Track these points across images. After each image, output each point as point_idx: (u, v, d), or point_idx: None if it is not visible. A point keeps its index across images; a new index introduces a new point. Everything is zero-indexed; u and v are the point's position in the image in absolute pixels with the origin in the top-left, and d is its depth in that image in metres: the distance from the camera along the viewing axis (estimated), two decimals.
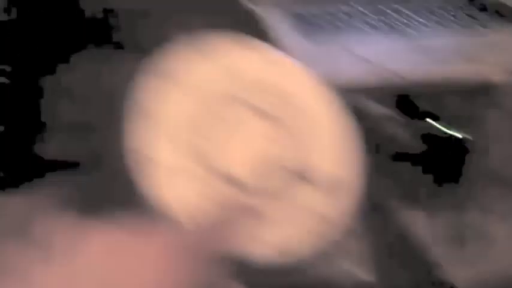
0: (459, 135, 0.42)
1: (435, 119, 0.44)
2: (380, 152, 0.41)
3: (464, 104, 0.43)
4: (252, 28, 0.61)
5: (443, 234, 0.33)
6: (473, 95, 0.47)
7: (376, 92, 0.47)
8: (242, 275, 0.28)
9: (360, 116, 0.44)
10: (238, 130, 0.27)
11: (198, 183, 0.27)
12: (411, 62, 0.50)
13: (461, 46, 0.54)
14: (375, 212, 0.34)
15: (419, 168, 0.40)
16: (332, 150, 0.29)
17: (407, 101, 0.46)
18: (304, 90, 0.29)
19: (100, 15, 0.64)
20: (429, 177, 0.39)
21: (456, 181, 0.37)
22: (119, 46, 0.57)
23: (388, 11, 0.66)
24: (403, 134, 0.43)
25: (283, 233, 0.28)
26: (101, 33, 0.59)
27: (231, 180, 0.27)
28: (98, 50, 0.56)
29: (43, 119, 0.41)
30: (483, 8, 0.66)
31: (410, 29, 0.60)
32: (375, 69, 0.47)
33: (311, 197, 0.28)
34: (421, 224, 0.34)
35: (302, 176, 0.28)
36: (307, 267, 0.29)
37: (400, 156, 0.40)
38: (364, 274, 0.30)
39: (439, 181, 0.38)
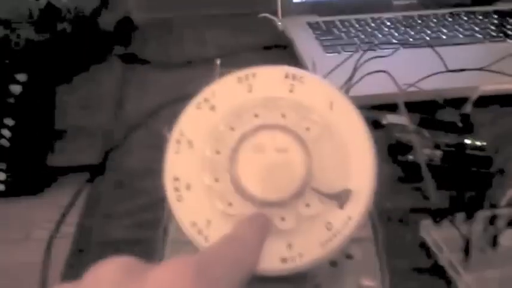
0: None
1: (463, 132, 0.43)
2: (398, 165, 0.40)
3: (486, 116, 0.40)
4: (276, 39, 0.61)
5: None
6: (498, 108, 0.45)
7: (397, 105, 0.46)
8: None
9: (379, 128, 0.44)
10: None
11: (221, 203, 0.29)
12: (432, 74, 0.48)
13: (486, 57, 0.52)
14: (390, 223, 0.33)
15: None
16: (349, 163, 0.29)
17: (431, 115, 0.45)
18: (339, 118, 0.29)
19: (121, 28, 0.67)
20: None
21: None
22: (142, 60, 0.59)
23: (414, 22, 0.64)
24: (425, 147, 0.41)
25: (293, 244, 0.28)
26: (121, 44, 0.61)
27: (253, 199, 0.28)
28: (121, 63, 0.58)
29: (57, 126, 0.43)
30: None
31: (434, 41, 0.58)
32: (397, 82, 0.45)
33: (323, 209, 0.28)
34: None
35: (318, 190, 0.28)
36: (316, 280, 0.29)
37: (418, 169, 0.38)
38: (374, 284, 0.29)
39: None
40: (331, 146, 0.29)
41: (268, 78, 0.30)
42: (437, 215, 0.33)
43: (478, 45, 0.58)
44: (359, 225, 0.28)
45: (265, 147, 0.29)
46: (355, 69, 0.45)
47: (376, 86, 0.44)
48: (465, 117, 0.43)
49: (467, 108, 0.44)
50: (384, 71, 0.45)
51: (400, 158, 0.41)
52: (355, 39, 0.60)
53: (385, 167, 0.40)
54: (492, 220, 0.33)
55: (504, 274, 0.30)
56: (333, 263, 0.31)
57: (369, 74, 0.45)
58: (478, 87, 0.43)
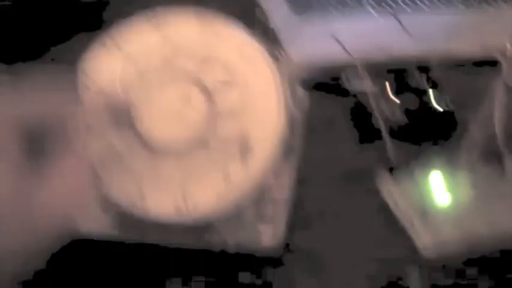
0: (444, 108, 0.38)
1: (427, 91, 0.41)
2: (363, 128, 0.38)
3: (460, 77, 0.38)
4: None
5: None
6: (471, 69, 0.43)
7: (365, 68, 0.44)
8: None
9: (345, 92, 0.41)
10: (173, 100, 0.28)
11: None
12: (404, 39, 0.46)
13: (459, 21, 0.50)
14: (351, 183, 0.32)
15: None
16: (255, 114, 0.28)
17: (398, 76, 0.43)
18: (250, 67, 0.29)
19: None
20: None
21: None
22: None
23: None
24: (390, 109, 0.39)
25: (188, 193, 0.27)
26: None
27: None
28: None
29: None
30: None
31: (404, 5, 0.56)
32: (365, 45, 0.43)
33: (223, 160, 0.28)
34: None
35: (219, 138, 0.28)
36: (218, 228, 0.28)
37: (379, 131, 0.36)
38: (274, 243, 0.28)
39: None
40: (237, 95, 0.28)
41: (177, 21, 0.30)
42: (396, 172, 0.30)
43: (453, 11, 0.56)
44: (261, 179, 0.27)
45: (168, 94, 0.28)
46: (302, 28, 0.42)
47: (337, 50, 0.41)
48: (430, 77, 0.41)
49: (433, 69, 0.42)
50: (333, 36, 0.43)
51: (361, 120, 0.39)
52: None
53: (349, 130, 0.38)
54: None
55: (463, 230, 0.27)
56: (243, 219, 0.29)
57: (321, 35, 0.43)
58: (443, 50, 0.41)
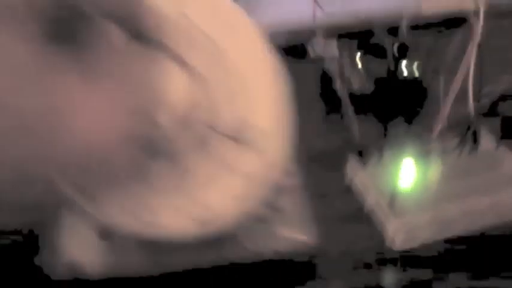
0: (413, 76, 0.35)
1: (397, 58, 0.38)
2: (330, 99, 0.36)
3: (431, 38, 0.36)
4: None
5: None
6: (440, 32, 0.41)
7: (332, 33, 0.41)
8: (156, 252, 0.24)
9: (311, 58, 0.39)
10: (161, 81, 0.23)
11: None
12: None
13: None
14: (316, 166, 0.29)
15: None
16: (264, 105, 0.24)
17: (365, 41, 0.40)
18: (238, 44, 0.25)
19: None
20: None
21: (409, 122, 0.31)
22: None
23: None
24: (357, 76, 0.37)
25: (206, 199, 0.24)
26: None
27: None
28: None
29: None
30: None
31: None
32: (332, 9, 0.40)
33: (237, 156, 0.24)
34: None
35: (228, 134, 0.24)
36: (239, 238, 0.25)
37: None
38: (304, 237, 0.26)
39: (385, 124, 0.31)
40: (234, 81, 0.24)
41: None
42: (363, 154, 0.28)
43: None
44: (276, 169, 0.24)
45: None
46: None
47: (299, 12, 0.38)
48: (400, 43, 0.39)
49: (402, 33, 0.39)
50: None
51: (328, 91, 0.36)
52: None
53: (317, 102, 0.36)
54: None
55: (433, 217, 0.26)
56: (260, 220, 0.26)
57: None
58: (413, 9, 0.38)
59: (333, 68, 0.37)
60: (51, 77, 0.15)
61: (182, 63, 0.23)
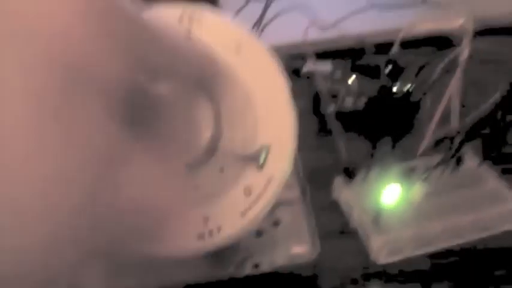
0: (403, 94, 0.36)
1: (390, 76, 0.39)
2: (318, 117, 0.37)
3: (423, 58, 0.37)
4: None
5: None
6: (430, 46, 0.42)
7: (326, 53, 0.42)
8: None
9: (306, 78, 0.40)
10: None
11: None
12: (363, 17, 0.44)
13: None
14: (315, 183, 0.30)
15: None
16: (264, 117, 0.25)
17: (362, 61, 0.41)
18: (250, 65, 0.25)
19: None
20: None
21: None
22: None
23: None
24: (350, 95, 0.38)
25: (210, 216, 0.24)
26: None
27: None
28: None
29: None
30: None
31: None
32: (323, 27, 0.41)
33: (240, 173, 0.25)
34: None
35: (231, 150, 0.25)
36: (241, 253, 0.27)
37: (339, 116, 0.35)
38: (306, 252, 0.27)
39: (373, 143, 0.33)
40: (243, 98, 0.25)
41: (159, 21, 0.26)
42: (350, 172, 0.29)
43: None
44: (281, 186, 0.24)
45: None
46: (265, 9, 0.40)
47: (292, 32, 0.40)
48: (392, 61, 0.40)
49: (395, 51, 0.40)
50: (301, 8, 0.41)
51: (320, 109, 0.38)
52: None
53: (310, 119, 0.37)
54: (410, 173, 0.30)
55: (416, 232, 0.27)
56: (259, 233, 0.28)
57: (282, 12, 0.41)
58: (403, 27, 0.40)
59: (324, 87, 0.38)
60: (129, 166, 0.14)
61: (204, 88, 0.24)
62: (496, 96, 0.31)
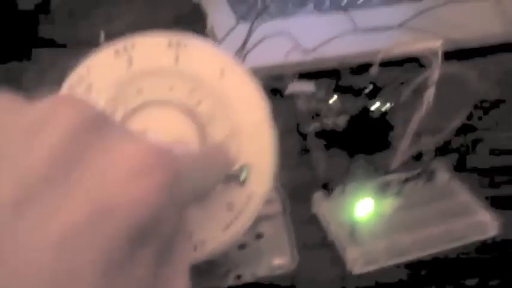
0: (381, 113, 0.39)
1: (370, 96, 0.41)
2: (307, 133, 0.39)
3: (392, 75, 0.39)
4: (192, 11, 0.58)
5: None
6: (406, 66, 0.44)
7: (308, 74, 0.44)
8: None
9: (286, 97, 0.42)
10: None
11: None
12: (344, 40, 0.46)
13: (402, 17, 0.50)
14: (295, 198, 0.32)
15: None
16: (246, 136, 0.27)
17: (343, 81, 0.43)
18: (234, 88, 0.27)
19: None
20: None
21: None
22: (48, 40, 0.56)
23: None
24: (332, 114, 0.40)
25: (193, 231, 0.26)
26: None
27: None
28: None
29: None
30: None
31: (350, 3, 0.57)
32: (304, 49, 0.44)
33: (222, 189, 0.26)
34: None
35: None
36: (225, 265, 0.28)
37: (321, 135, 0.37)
38: (286, 263, 0.28)
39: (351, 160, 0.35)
40: (226, 119, 0.27)
41: (149, 49, 0.28)
42: (328, 188, 0.31)
43: (395, 6, 0.56)
44: (262, 202, 0.26)
45: (152, 126, 0.26)
46: (249, 34, 0.43)
47: (277, 54, 0.42)
48: (372, 81, 0.42)
49: (373, 72, 0.42)
50: (282, 34, 0.43)
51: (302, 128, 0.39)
52: (272, 5, 0.57)
53: (293, 137, 0.39)
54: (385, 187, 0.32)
55: (388, 244, 0.29)
56: (242, 246, 0.29)
57: (267, 37, 0.43)
58: (381, 49, 0.42)
59: (306, 107, 0.40)
60: None
61: (190, 114, 0.26)
62: (462, 115, 0.33)
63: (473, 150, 0.35)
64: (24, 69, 0.53)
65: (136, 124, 0.26)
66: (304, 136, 0.38)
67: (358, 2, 0.57)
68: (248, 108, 0.27)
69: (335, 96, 0.42)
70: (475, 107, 0.33)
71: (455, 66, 0.34)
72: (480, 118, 0.36)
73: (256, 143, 0.27)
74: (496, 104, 0.40)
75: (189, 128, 0.26)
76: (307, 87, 0.43)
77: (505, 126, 0.38)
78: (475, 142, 0.35)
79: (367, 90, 0.41)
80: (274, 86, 0.42)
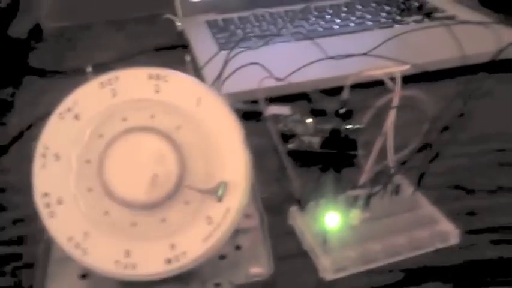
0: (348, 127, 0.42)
1: (343, 117, 0.44)
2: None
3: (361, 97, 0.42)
4: (177, 40, 0.62)
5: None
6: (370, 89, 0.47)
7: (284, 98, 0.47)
8: None
9: (265, 119, 0.45)
10: (134, 154, 0.29)
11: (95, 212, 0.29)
12: (317, 67, 0.50)
13: (372, 43, 0.54)
14: (272, 212, 0.35)
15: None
16: (222, 157, 0.29)
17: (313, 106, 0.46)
18: (210, 114, 0.30)
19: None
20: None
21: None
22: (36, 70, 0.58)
23: (310, 14, 0.66)
24: (305, 134, 0.43)
25: (176, 243, 0.28)
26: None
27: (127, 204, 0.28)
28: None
29: None
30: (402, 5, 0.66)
31: (325, 31, 0.60)
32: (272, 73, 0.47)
33: (202, 205, 0.29)
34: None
35: (195, 187, 0.29)
36: (204, 274, 0.30)
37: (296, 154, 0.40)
38: (263, 272, 0.30)
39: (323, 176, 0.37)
40: (203, 142, 0.29)
41: (131, 81, 0.30)
42: (302, 202, 0.34)
43: (367, 32, 0.60)
44: (239, 215, 0.29)
45: (135, 150, 0.29)
46: (225, 63, 0.46)
47: (253, 81, 0.45)
48: (343, 104, 0.45)
49: (345, 95, 0.46)
50: (256, 64, 0.46)
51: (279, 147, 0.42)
52: (251, 35, 0.61)
53: (270, 156, 0.42)
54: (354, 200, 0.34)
55: (358, 252, 0.31)
56: (222, 256, 0.31)
57: (241, 67, 0.46)
58: (351, 74, 0.45)
59: (282, 129, 0.43)
60: None
61: (170, 139, 0.29)
62: (422, 135, 0.36)
63: (433, 164, 0.38)
64: (17, 96, 0.55)
65: (122, 147, 0.29)
66: (280, 155, 0.41)
67: (333, 30, 0.61)
68: (223, 131, 0.30)
69: (310, 119, 0.45)
70: (433, 126, 0.36)
71: (413, 90, 0.37)
72: (438, 136, 0.40)
73: (232, 163, 0.29)
74: (452, 122, 0.43)
75: (169, 151, 0.29)
76: (283, 110, 0.46)
77: (461, 142, 0.42)
78: (434, 158, 0.38)
79: (341, 112, 0.45)
80: (253, 110, 0.45)
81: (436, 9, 0.63)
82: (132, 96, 0.30)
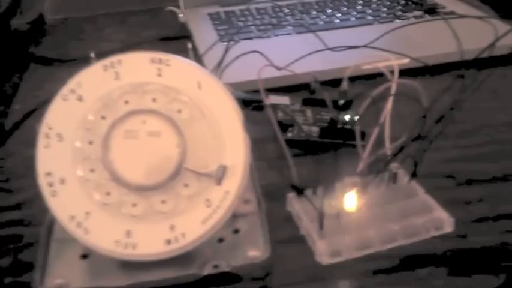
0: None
1: (341, 108, 0.45)
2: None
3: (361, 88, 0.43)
4: (179, 32, 0.62)
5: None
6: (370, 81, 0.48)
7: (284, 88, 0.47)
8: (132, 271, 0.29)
9: (265, 108, 0.45)
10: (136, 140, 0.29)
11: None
12: (317, 59, 0.50)
13: (371, 37, 0.54)
14: (272, 198, 0.35)
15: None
16: (222, 141, 0.30)
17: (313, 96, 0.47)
18: (214, 101, 0.30)
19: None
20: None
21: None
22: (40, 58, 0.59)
23: (311, 7, 0.66)
24: (305, 124, 0.43)
25: (175, 224, 0.29)
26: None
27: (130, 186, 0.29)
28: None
29: None
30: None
31: (326, 25, 0.61)
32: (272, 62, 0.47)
33: (201, 188, 0.29)
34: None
35: (195, 170, 0.29)
36: (204, 256, 0.30)
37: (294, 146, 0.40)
38: (260, 255, 0.31)
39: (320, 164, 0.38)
40: (203, 125, 0.30)
41: (134, 64, 0.31)
42: (299, 189, 0.35)
43: (367, 27, 0.61)
44: (237, 199, 0.29)
45: (137, 132, 0.29)
46: (225, 52, 0.46)
47: (253, 71, 0.45)
48: (343, 94, 0.46)
49: (344, 86, 0.46)
50: (256, 52, 0.47)
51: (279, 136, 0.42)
52: (252, 27, 0.62)
53: (270, 144, 0.42)
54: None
55: (354, 238, 0.32)
56: (221, 239, 0.32)
57: (241, 55, 0.46)
58: (350, 66, 0.46)
59: (282, 118, 0.44)
60: None
61: (171, 122, 0.29)
62: (417, 125, 0.37)
63: (428, 153, 0.38)
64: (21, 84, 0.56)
65: (124, 129, 0.29)
66: (280, 143, 0.41)
67: (334, 24, 0.61)
68: (223, 116, 0.30)
69: (309, 108, 0.45)
70: (428, 117, 0.36)
71: (410, 82, 0.37)
72: (432, 127, 0.40)
73: (231, 147, 0.30)
74: (447, 114, 0.43)
75: (170, 134, 0.29)
76: (283, 100, 0.46)
77: (454, 134, 0.42)
78: (429, 148, 0.39)
79: (340, 102, 0.45)
80: (253, 99, 0.45)
81: (436, 5, 0.64)
82: (134, 80, 0.30)
